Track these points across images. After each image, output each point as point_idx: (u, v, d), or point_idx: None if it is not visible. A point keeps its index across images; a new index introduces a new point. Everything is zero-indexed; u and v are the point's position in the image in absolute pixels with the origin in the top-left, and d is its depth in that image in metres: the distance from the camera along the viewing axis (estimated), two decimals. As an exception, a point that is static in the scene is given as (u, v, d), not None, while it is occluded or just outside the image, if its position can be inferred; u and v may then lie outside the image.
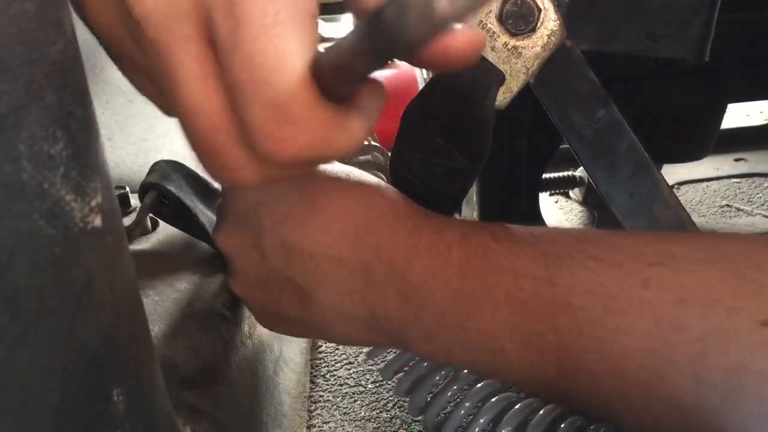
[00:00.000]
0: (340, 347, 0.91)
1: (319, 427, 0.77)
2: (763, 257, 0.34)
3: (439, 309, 0.40)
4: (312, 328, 0.48)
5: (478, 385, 0.50)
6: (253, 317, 0.64)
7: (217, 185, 0.63)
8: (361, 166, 0.60)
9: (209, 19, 0.26)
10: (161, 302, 0.53)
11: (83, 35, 0.26)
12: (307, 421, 0.78)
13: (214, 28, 0.26)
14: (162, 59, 0.27)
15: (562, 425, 0.46)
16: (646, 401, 0.34)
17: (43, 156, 0.23)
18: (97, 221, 0.25)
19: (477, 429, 0.47)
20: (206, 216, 0.59)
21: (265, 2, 0.25)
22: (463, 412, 0.49)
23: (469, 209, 0.81)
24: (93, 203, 0.25)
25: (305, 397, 0.80)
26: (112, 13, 0.29)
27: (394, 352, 0.55)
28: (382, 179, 0.60)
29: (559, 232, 0.40)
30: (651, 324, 0.32)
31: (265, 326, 0.55)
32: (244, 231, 0.48)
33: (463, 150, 0.49)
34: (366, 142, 0.62)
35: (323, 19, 1.70)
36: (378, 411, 0.79)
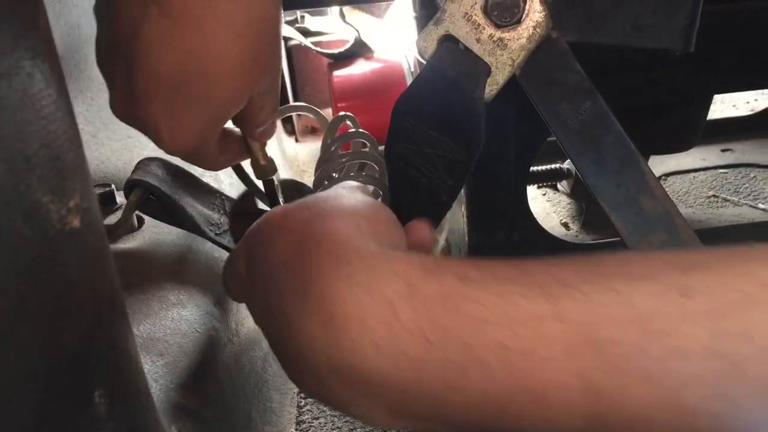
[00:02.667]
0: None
1: (308, 422, 0.77)
2: None
3: (402, 389, 0.31)
4: None
5: None
6: (240, 314, 0.64)
7: (205, 180, 0.62)
8: (351, 155, 0.59)
9: None
10: (146, 300, 0.53)
11: (65, 32, 0.26)
12: (297, 417, 0.78)
13: None
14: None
15: None
16: None
17: (19, 158, 0.22)
18: (76, 222, 0.25)
19: None
20: (194, 208, 0.58)
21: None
22: None
23: (457, 203, 0.81)
24: (71, 204, 0.25)
25: (294, 393, 0.80)
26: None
27: None
28: (375, 171, 0.60)
29: (547, 260, 0.32)
30: (709, 339, 0.27)
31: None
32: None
33: (457, 141, 0.49)
34: (352, 129, 0.62)
35: (309, 13, 1.69)
36: (368, 405, 0.79)
